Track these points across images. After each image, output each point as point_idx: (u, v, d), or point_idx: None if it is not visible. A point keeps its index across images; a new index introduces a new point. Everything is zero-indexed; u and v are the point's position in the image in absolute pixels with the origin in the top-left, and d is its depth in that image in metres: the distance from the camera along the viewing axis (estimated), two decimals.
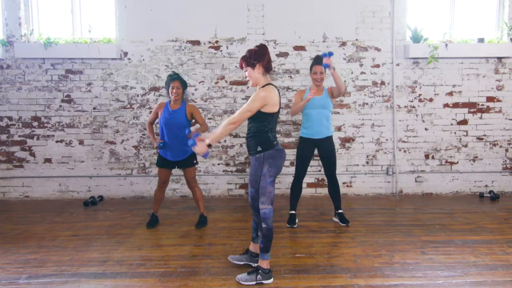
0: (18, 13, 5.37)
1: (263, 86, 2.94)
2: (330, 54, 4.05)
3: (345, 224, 4.27)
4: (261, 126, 2.95)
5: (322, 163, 4.38)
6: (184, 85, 4.18)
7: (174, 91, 4.08)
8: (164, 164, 4.22)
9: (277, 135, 5.55)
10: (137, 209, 4.98)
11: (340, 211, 4.40)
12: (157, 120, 4.31)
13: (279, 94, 3.04)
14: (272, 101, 2.92)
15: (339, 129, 5.56)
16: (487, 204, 5.20)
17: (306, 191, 5.51)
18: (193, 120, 4.31)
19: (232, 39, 5.46)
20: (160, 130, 4.20)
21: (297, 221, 4.35)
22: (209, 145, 2.84)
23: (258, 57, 2.93)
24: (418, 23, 5.54)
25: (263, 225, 2.96)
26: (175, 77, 4.14)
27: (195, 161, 4.25)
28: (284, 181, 5.59)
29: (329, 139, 4.28)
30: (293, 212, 4.37)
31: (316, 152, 4.39)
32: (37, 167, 5.54)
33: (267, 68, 2.99)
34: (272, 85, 2.99)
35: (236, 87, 5.51)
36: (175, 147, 4.15)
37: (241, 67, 3.01)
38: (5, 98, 5.45)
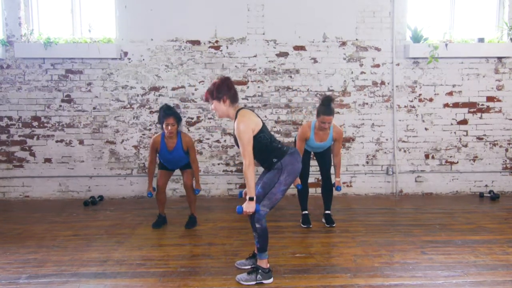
0: (18, 13, 5.37)
1: (236, 116, 2.90)
2: (338, 188, 4.21)
3: (329, 225, 4.25)
4: (262, 146, 2.95)
5: (318, 163, 4.38)
6: (178, 119, 4.03)
7: (169, 128, 3.94)
8: (165, 167, 4.27)
9: (277, 135, 5.55)
10: (137, 209, 4.98)
11: (328, 212, 4.37)
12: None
13: (252, 110, 3.03)
14: (254, 123, 2.89)
15: None
16: (487, 204, 5.20)
17: None
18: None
19: (232, 39, 5.46)
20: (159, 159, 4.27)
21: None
22: (252, 198, 2.85)
23: (222, 90, 2.90)
24: (418, 23, 5.54)
25: (257, 226, 2.96)
26: (168, 113, 3.94)
27: (196, 190, 4.26)
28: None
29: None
30: (306, 212, 4.36)
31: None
32: (37, 167, 5.54)
33: (233, 99, 2.95)
34: (241, 108, 2.96)
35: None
36: (174, 167, 4.30)
37: (207, 101, 2.98)
38: (5, 98, 5.45)
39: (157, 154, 4.19)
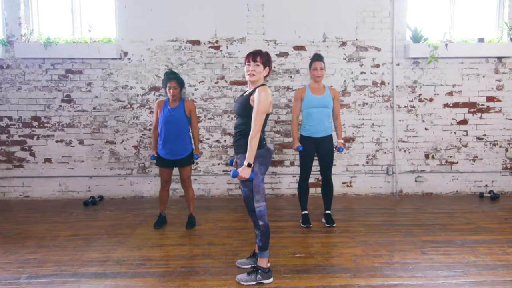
0: (18, 13, 5.37)
1: (260, 86, 2.95)
2: (341, 149, 4.29)
3: (329, 225, 4.25)
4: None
5: (319, 162, 4.37)
6: (181, 84, 4.18)
7: (171, 91, 4.10)
8: (163, 164, 4.24)
9: (277, 135, 5.55)
10: (137, 209, 4.98)
11: (328, 211, 4.37)
12: None
13: None
14: (271, 102, 2.97)
15: None
16: (487, 204, 5.20)
17: None
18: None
19: (232, 39, 5.46)
20: (159, 128, 4.20)
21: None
22: (249, 165, 2.85)
23: (271, 61, 3.06)
24: (418, 23, 5.54)
25: (260, 223, 2.96)
26: (171, 77, 4.13)
27: (192, 160, 4.28)
28: (284, 181, 5.59)
29: (329, 138, 4.27)
30: (306, 212, 4.36)
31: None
32: (37, 167, 5.54)
33: (269, 73, 3.09)
34: (265, 84, 3.03)
35: (236, 87, 5.51)
36: (174, 144, 4.15)
37: (253, 61, 2.97)
38: (5, 98, 5.45)
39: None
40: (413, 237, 3.90)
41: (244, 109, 2.96)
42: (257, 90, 2.92)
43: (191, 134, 4.31)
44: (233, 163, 3.19)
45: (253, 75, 2.95)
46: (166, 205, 4.39)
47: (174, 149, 4.16)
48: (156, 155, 4.24)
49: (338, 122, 4.38)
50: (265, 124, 3.02)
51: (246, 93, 3.05)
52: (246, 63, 3.01)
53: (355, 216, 4.65)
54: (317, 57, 4.27)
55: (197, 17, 5.42)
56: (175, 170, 4.39)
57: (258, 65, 2.96)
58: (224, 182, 5.61)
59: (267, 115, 2.98)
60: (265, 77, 3.05)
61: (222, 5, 5.41)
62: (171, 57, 5.46)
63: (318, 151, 4.30)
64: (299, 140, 4.27)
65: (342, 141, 4.36)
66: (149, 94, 5.49)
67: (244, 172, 2.85)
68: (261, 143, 2.99)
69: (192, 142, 4.33)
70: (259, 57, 2.97)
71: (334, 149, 4.32)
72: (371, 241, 3.82)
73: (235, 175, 2.85)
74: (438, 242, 3.77)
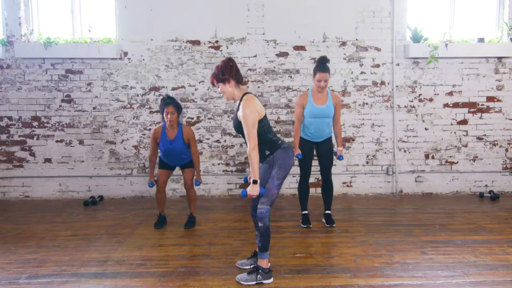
0: (18, 13, 5.37)
1: (241, 99, 2.93)
2: (340, 157, 4.24)
3: (329, 225, 4.24)
4: (258, 135, 2.95)
5: (318, 162, 4.37)
6: (179, 109, 4.09)
7: (169, 116, 4.00)
8: (165, 166, 4.26)
9: (277, 135, 5.54)
10: (137, 209, 4.98)
11: (328, 212, 4.36)
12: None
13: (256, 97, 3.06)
14: (258, 107, 2.93)
15: None
16: (487, 204, 5.20)
17: None
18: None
19: (232, 39, 5.46)
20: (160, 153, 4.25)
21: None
22: (255, 181, 2.85)
23: (226, 71, 2.93)
24: (418, 23, 5.54)
25: (260, 224, 2.96)
26: (169, 102, 4.02)
27: (196, 181, 4.25)
28: (284, 181, 5.57)
29: (328, 139, 4.27)
30: (306, 212, 4.35)
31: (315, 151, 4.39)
32: (37, 167, 5.54)
33: (238, 80, 2.99)
34: (248, 93, 2.99)
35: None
36: (176, 162, 4.27)
37: (213, 85, 3.01)
38: (5, 98, 5.45)
39: (158, 146, 4.20)
40: (413, 237, 3.90)
41: (241, 127, 2.94)
42: (240, 106, 2.90)
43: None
44: (248, 179, 3.17)
45: (224, 95, 3.01)
46: (164, 205, 4.39)
47: (177, 162, 4.27)
48: (154, 183, 4.22)
49: (338, 128, 4.26)
50: (269, 125, 3.02)
51: (236, 109, 3.02)
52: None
53: (355, 216, 4.65)
54: (323, 67, 3.99)
55: (197, 17, 5.42)
56: (175, 171, 4.40)
57: (219, 86, 2.97)
58: (224, 182, 5.61)
59: (263, 118, 2.96)
60: (239, 82, 2.98)
61: (222, 5, 5.41)
62: (171, 57, 5.46)
63: (317, 151, 4.30)
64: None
65: (341, 149, 4.29)
66: (149, 94, 5.49)
67: (252, 190, 2.86)
68: (275, 144, 2.98)
69: None
70: (212, 79, 2.97)
71: (334, 156, 4.28)
72: (371, 241, 3.82)
73: (244, 195, 2.87)
74: (438, 242, 3.77)
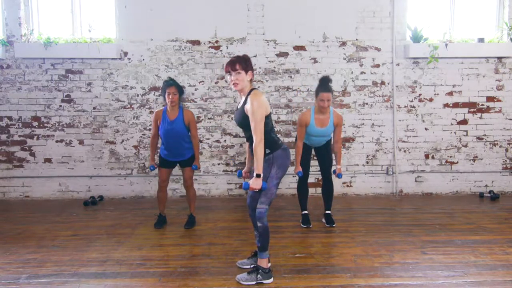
0: (18, 13, 5.38)
1: (249, 92, 2.94)
2: (339, 175, 4.22)
3: (329, 225, 4.24)
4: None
5: (318, 162, 4.37)
6: (180, 90, 4.14)
7: (170, 97, 4.06)
8: (165, 165, 4.25)
9: (277, 135, 5.54)
10: (137, 209, 4.98)
11: (328, 212, 4.36)
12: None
13: None
14: (266, 103, 2.95)
15: None
16: (487, 204, 5.20)
17: None
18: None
19: (232, 39, 5.46)
20: (161, 137, 4.23)
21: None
22: (259, 175, 2.85)
23: (250, 64, 2.97)
24: (418, 23, 5.55)
25: (259, 224, 2.96)
26: (171, 83, 4.10)
27: (193, 165, 4.25)
28: (284, 181, 5.58)
29: (327, 142, 4.29)
30: (306, 212, 4.36)
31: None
32: (37, 167, 5.54)
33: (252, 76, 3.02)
34: (255, 88, 3.01)
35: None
36: (176, 149, 4.19)
37: (233, 70, 2.92)
38: (5, 98, 5.46)
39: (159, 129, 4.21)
40: (413, 237, 3.90)
41: (245, 121, 2.93)
42: (248, 99, 2.90)
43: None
44: (242, 174, 3.21)
45: (237, 84, 2.93)
46: (165, 205, 4.39)
47: (176, 152, 4.20)
48: (155, 166, 4.23)
49: (338, 146, 4.24)
50: (270, 124, 3.02)
51: (240, 104, 3.01)
52: (227, 74, 2.96)
53: (355, 216, 4.65)
54: (325, 87, 3.99)
55: (197, 17, 5.42)
56: (175, 171, 4.39)
57: (239, 73, 2.92)
58: (224, 182, 5.62)
59: (268, 115, 2.98)
60: (251, 80, 3.00)
61: (222, 5, 5.41)
62: (171, 57, 5.46)
63: (316, 152, 4.33)
64: None
65: (340, 167, 4.26)
66: (149, 94, 5.49)
67: (255, 183, 2.85)
68: (277, 144, 2.99)
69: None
70: (238, 64, 2.92)
71: (333, 174, 4.28)
72: (371, 241, 3.82)
73: (246, 187, 2.87)
74: (438, 242, 3.77)
